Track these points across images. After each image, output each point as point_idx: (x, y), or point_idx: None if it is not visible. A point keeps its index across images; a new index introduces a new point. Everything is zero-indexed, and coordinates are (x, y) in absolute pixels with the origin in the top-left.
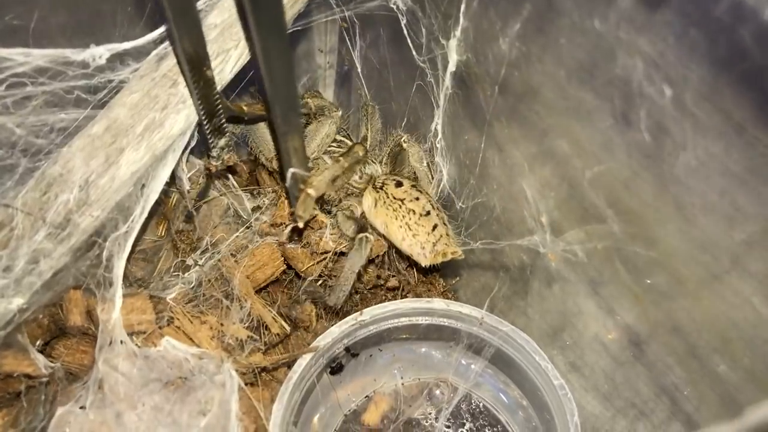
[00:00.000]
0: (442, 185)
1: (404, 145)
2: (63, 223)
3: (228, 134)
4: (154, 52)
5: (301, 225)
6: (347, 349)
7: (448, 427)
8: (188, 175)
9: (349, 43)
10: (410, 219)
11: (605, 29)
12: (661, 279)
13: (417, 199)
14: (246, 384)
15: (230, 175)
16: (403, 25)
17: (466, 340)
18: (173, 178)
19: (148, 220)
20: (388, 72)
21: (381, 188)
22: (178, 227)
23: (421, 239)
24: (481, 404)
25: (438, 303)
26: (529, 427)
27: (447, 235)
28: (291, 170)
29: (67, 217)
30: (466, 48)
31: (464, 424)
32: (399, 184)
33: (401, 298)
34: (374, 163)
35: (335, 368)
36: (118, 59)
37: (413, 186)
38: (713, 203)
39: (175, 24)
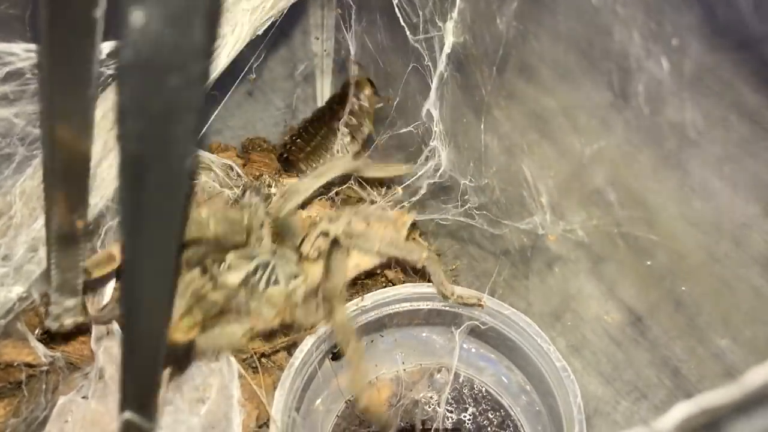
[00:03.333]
0: (441, 171)
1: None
2: None
3: (80, 298)
4: None
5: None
6: None
7: (451, 411)
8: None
9: (344, 28)
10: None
11: (601, 3)
12: (662, 260)
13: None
14: (247, 371)
15: (234, 166)
16: (396, 6)
17: (467, 325)
18: None
19: None
20: (386, 57)
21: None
22: None
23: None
24: (483, 389)
25: None
26: (532, 410)
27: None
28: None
29: None
30: (464, 29)
31: (467, 409)
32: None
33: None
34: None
35: (337, 354)
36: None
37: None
38: (712, 185)
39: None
